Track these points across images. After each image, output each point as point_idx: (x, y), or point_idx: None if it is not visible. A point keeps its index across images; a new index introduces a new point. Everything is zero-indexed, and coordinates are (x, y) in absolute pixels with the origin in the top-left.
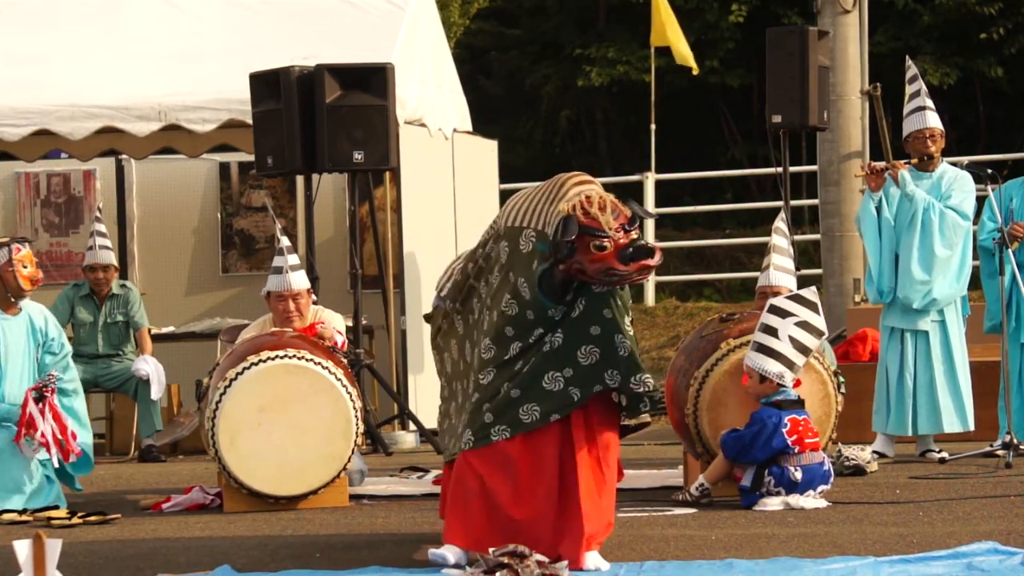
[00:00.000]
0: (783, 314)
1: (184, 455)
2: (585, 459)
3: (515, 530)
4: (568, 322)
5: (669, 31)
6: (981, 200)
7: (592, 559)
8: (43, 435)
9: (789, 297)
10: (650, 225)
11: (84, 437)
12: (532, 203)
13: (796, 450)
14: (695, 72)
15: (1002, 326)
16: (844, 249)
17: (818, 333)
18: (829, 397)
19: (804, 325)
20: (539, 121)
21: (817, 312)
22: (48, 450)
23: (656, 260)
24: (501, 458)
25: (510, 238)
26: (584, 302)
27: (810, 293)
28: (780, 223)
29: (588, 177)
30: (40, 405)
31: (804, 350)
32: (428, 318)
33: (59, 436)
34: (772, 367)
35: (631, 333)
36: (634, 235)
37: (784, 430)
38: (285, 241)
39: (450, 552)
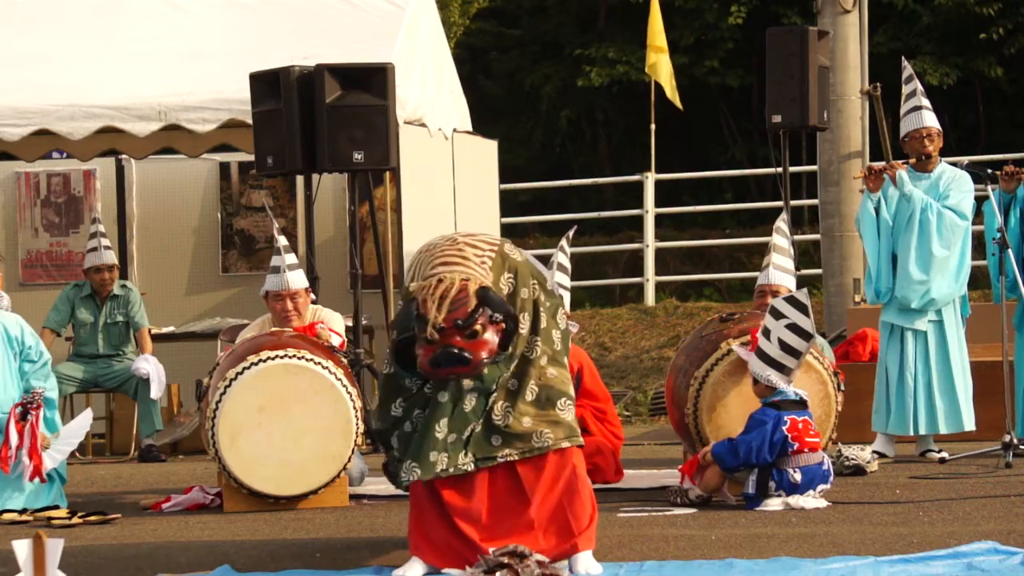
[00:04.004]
0: (778, 316)
1: (184, 455)
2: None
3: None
4: (425, 397)
5: (662, 69)
6: (980, 200)
7: (583, 562)
8: (9, 451)
9: (785, 299)
10: (650, 225)
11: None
12: (417, 267)
13: (795, 447)
14: (680, 107)
15: (1001, 327)
16: (844, 249)
17: (806, 336)
18: (829, 397)
19: (793, 328)
20: (539, 121)
21: (807, 315)
22: (6, 465)
23: (467, 368)
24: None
25: (404, 298)
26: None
27: (802, 295)
28: (781, 223)
29: (462, 256)
30: (23, 423)
31: (793, 352)
32: None
33: (30, 456)
34: (758, 368)
35: (466, 409)
36: (473, 329)
37: (784, 427)
38: (283, 241)
39: (410, 570)
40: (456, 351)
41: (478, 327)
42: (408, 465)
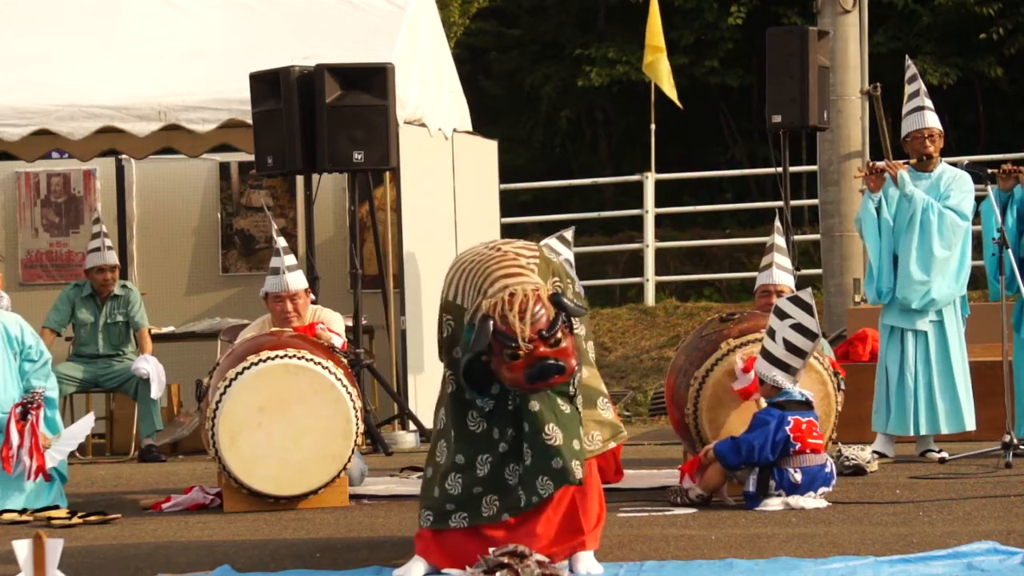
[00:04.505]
0: (782, 316)
1: (184, 455)
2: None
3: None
4: (510, 414)
5: (659, 68)
6: (979, 200)
7: (585, 562)
8: (10, 451)
9: (790, 299)
10: (650, 225)
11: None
12: (467, 279)
13: (797, 447)
14: (679, 105)
15: (1002, 327)
16: (844, 249)
17: (811, 335)
18: (829, 397)
19: (798, 327)
20: (539, 121)
21: (811, 314)
22: (7, 465)
23: (565, 376)
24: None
25: (452, 313)
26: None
27: (806, 295)
28: (779, 223)
29: (518, 265)
30: (23, 423)
31: (798, 352)
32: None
33: (31, 455)
34: (764, 368)
35: (566, 411)
36: (556, 338)
37: (787, 427)
38: (282, 242)
39: (411, 570)
40: (552, 362)
41: (560, 335)
42: (543, 481)
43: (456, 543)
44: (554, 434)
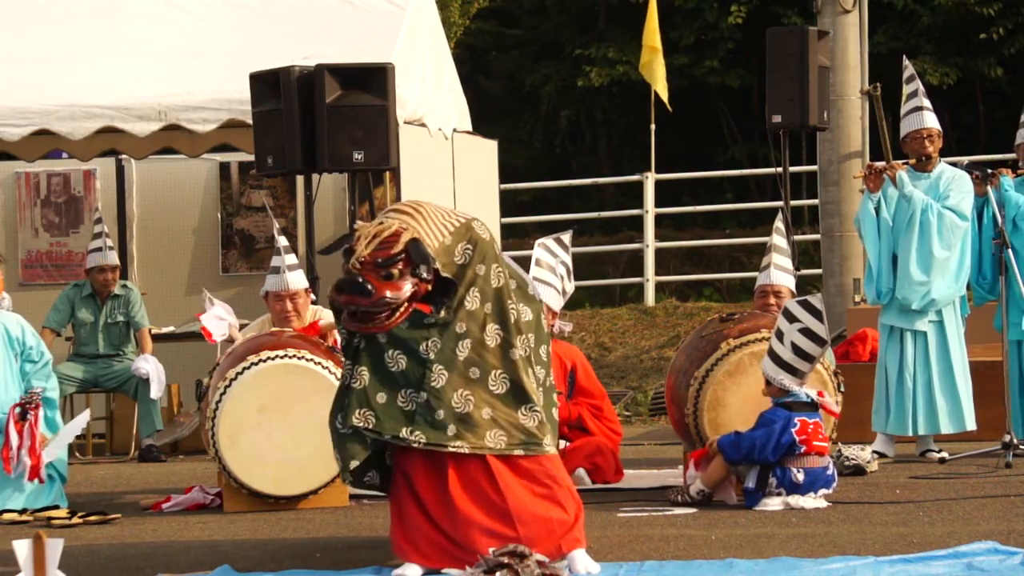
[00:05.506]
0: (791, 319)
1: (184, 455)
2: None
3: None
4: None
5: (655, 69)
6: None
7: (580, 560)
8: (10, 452)
9: (799, 302)
10: (650, 225)
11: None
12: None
13: (803, 450)
14: (668, 108)
15: (1003, 326)
16: (844, 249)
17: (820, 341)
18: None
19: (806, 332)
20: (539, 121)
21: (821, 320)
22: (7, 465)
23: (364, 300)
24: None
25: None
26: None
27: (816, 300)
28: (780, 223)
29: (420, 213)
30: (22, 423)
31: (806, 356)
32: None
33: (31, 455)
34: (771, 370)
35: (393, 369)
36: (389, 272)
37: (793, 429)
38: (283, 241)
39: (410, 570)
40: (360, 280)
41: (395, 271)
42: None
43: (428, 538)
44: (360, 378)
